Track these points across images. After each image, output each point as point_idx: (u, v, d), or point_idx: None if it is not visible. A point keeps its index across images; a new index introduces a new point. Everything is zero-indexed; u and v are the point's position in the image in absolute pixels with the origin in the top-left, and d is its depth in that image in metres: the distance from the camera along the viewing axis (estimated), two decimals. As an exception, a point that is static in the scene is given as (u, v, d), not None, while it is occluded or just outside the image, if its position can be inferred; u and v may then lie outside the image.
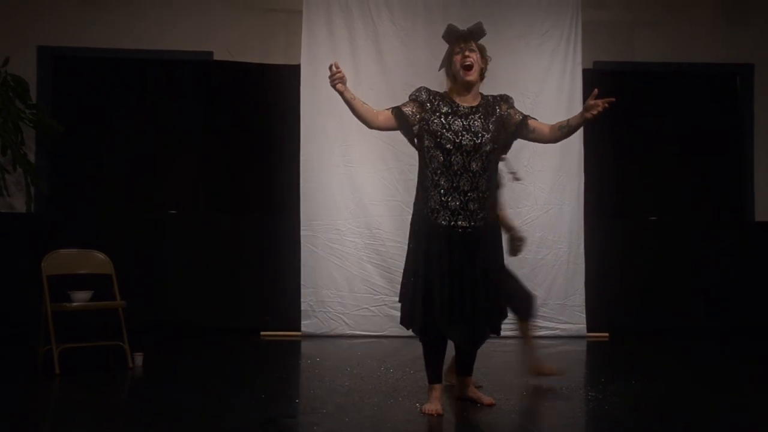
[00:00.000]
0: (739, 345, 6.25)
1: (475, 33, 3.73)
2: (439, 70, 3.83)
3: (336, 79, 3.53)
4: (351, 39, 6.62)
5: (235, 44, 6.99)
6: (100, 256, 5.21)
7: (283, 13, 6.99)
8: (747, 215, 7.33)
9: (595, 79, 6.52)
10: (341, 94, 3.57)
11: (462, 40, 3.70)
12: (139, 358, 4.99)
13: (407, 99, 3.77)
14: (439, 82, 3.84)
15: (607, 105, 3.49)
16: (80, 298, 4.95)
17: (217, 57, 6.99)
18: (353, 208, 6.54)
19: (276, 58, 6.98)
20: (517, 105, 3.87)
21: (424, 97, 3.73)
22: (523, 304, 4.32)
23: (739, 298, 6.94)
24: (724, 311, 6.86)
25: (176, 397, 4.10)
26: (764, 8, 7.35)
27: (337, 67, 3.53)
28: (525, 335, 4.42)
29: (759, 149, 7.36)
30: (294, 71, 6.62)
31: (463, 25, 3.76)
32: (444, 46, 3.82)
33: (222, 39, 7.00)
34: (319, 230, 6.51)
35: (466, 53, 3.66)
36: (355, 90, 3.67)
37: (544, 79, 6.68)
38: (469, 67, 3.66)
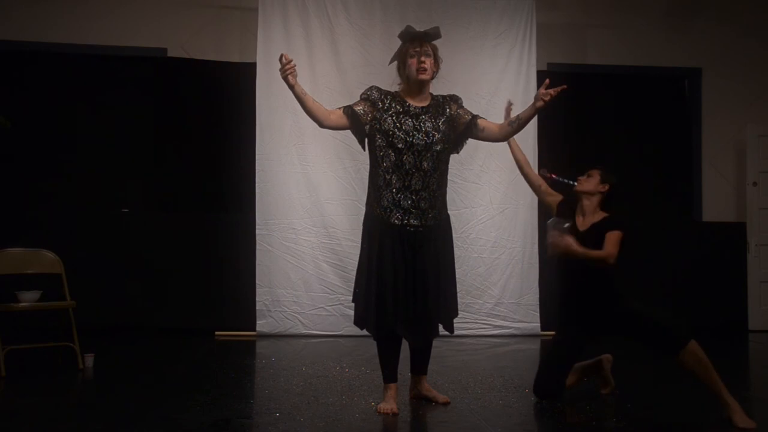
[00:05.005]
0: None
1: (431, 36, 3.76)
2: (389, 64, 3.84)
3: (287, 70, 3.51)
4: (307, 38, 6.58)
5: (190, 41, 6.91)
6: (50, 255, 5.09)
7: (238, 11, 6.93)
8: (695, 215, 7.53)
9: (548, 80, 6.59)
10: (292, 87, 3.55)
11: (418, 43, 3.72)
12: (89, 360, 4.89)
13: (359, 98, 3.78)
14: (394, 83, 3.84)
15: (558, 92, 3.57)
16: (28, 298, 4.84)
17: (171, 54, 6.89)
18: (309, 206, 6.52)
19: (231, 55, 6.92)
20: (472, 106, 3.91)
21: (376, 96, 3.74)
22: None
23: (687, 297, 7.10)
24: (673, 309, 7.00)
25: (128, 399, 4.03)
26: (711, 15, 7.55)
27: (288, 59, 3.51)
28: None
29: (706, 151, 7.55)
30: (250, 69, 6.58)
31: (419, 26, 3.78)
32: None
33: (176, 36, 6.91)
34: (275, 229, 6.47)
35: (422, 58, 3.69)
36: (310, 89, 3.66)
37: (499, 80, 6.74)
38: (423, 71, 3.69)
